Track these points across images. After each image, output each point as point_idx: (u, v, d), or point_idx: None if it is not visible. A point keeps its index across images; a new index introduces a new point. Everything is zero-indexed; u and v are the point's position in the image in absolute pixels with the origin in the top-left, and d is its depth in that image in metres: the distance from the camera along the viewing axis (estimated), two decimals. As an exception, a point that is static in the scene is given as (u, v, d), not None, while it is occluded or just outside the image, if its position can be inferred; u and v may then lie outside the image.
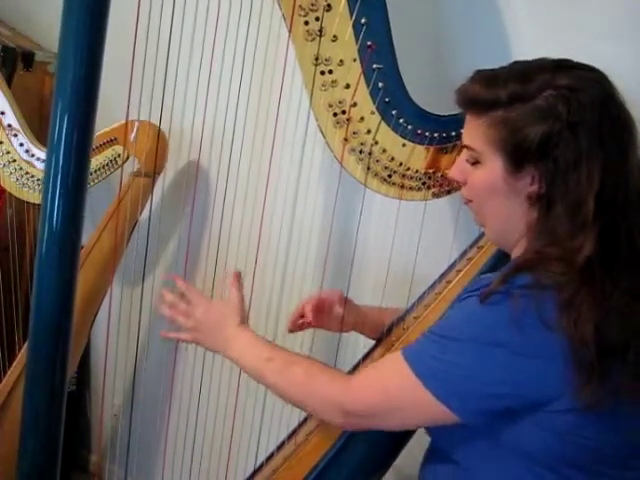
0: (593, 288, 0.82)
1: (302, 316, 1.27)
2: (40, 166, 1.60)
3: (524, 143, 0.87)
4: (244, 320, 1.12)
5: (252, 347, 1.07)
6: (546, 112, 0.86)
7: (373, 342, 1.24)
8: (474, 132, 0.93)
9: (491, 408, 0.86)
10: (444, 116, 1.09)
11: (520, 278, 0.84)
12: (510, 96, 0.88)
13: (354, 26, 1.03)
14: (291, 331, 1.27)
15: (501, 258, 1.08)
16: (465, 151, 0.96)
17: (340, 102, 1.08)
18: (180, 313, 1.14)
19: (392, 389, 0.92)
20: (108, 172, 1.64)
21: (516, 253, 0.96)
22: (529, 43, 1.27)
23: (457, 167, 0.99)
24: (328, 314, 1.26)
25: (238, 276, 1.15)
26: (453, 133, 1.09)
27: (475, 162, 0.94)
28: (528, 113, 0.87)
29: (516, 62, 0.93)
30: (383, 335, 1.20)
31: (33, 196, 1.63)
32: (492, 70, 0.92)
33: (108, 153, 1.62)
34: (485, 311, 0.85)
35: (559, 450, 0.86)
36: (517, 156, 0.89)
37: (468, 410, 0.86)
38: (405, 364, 0.90)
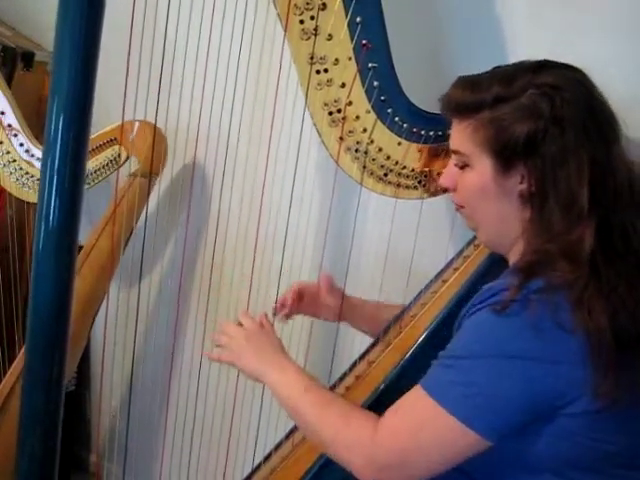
0: (599, 281, 0.82)
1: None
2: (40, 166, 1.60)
3: (511, 141, 0.88)
4: (283, 348, 1.09)
5: (293, 375, 1.01)
6: (530, 110, 0.87)
7: (370, 341, 1.24)
8: (461, 136, 0.94)
9: (516, 421, 0.84)
10: (440, 114, 1.07)
11: (533, 283, 0.83)
12: (494, 98, 0.90)
13: (349, 25, 1.03)
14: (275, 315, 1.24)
15: (497, 257, 1.08)
16: (453, 156, 0.97)
17: (335, 101, 1.08)
18: (229, 331, 1.10)
19: (418, 426, 0.87)
20: (108, 172, 1.64)
21: (513, 255, 0.96)
22: (527, 41, 1.27)
23: (447, 174, 1.00)
24: (316, 302, 1.25)
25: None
26: (449, 131, 1.09)
27: (464, 166, 0.95)
28: (513, 112, 0.88)
29: (497, 67, 0.95)
30: (380, 335, 1.20)
31: (33, 196, 1.62)
32: (474, 75, 0.94)
33: (108, 153, 1.62)
34: (502, 322, 0.83)
35: (567, 453, 0.86)
36: (505, 155, 0.89)
37: (496, 432, 0.83)
38: (427, 397, 0.86)
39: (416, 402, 0.88)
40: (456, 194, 0.99)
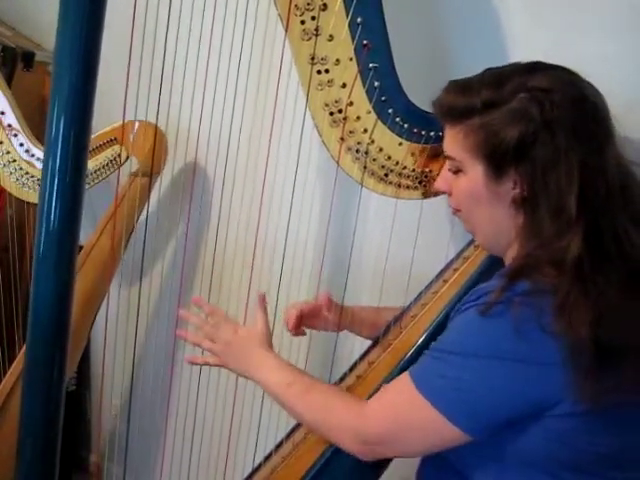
0: (584, 287, 0.82)
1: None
2: (40, 166, 1.60)
3: (501, 146, 0.88)
4: (270, 344, 1.12)
5: (276, 371, 1.06)
6: (520, 114, 0.87)
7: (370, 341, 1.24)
8: (453, 141, 0.94)
9: (498, 420, 0.85)
10: (441, 115, 1.09)
11: (519, 285, 0.84)
12: (484, 102, 0.89)
13: (350, 25, 1.03)
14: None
15: (497, 258, 1.08)
16: (447, 161, 0.98)
17: (336, 101, 1.08)
18: (206, 336, 1.14)
19: (402, 412, 0.91)
20: (108, 172, 1.64)
21: (509, 258, 0.96)
22: (527, 40, 1.27)
23: (442, 177, 1.01)
24: (316, 317, 1.27)
25: (263, 298, 1.14)
26: (449, 132, 1.09)
27: (457, 171, 0.96)
28: (503, 117, 0.88)
29: (488, 69, 0.94)
30: (380, 335, 1.20)
31: (33, 196, 1.63)
32: (465, 79, 0.94)
33: (108, 153, 1.62)
34: (487, 323, 0.84)
35: (559, 455, 0.86)
36: (496, 160, 0.89)
37: (477, 428, 0.86)
38: (412, 386, 0.89)
39: (402, 389, 0.91)
40: (451, 198, 1.00)
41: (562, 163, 0.85)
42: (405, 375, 0.92)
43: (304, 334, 1.28)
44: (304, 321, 1.26)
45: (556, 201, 0.86)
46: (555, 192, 0.86)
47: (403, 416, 0.91)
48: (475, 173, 0.92)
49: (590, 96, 0.89)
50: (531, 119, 0.86)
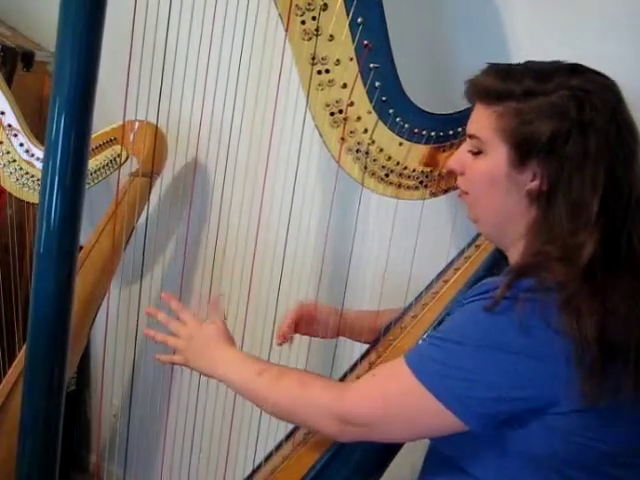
0: (594, 287, 0.82)
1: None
2: (40, 166, 1.60)
3: (533, 137, 0.88)
4: (232, 341, 1.10)
5: (241, 363, 1.05)
6: (559, 110, 0.87)
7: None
8: (482, 121, 0.93)
9: (496, 412, 0.85)
10: (441, 115, 1.09)
11: (524, 282, 0.84)
12: (525, 90, 0.89)
13: (351, 25, 1.03)
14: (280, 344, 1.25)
15: (499, 257, 1.08)
16: (468, 141, 0.96)
17: (337, 101, 1.08)
18: (172, 332, 1.12)
19: (393, 395, 0.90)
20: (107, 172, 1.64)
21: (513, 254, 0.96)
22: (528, 43, 1.27)
23: (457, 157, 1.00)
24: (312, 324, 1.26)
25: (217, 300, 1.13)
26: (450, 132, 1.09)
27: (478, 152, 0.94)
28: (541, 108, 0.88)
29: (530, 61, 0.94)
30: (380, 335, 1.20)
31: (33, 196, 1.63)
32: (506, 65, 0.94)
33: (107, 153, 1.63)
34: (492, 318, 0.84)
35: (563, 452, 0.86)
36: (523, 149, 0.89)
37: (473, 415, 0.85)
38: (407, 369, 0.88)
39: (395, 371, 0.90)
40: (463, 179, 0.99)
41: (589, 166, 0.86)
42: (399, 360, 0.90)
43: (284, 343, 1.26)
44: (299, 328, 1.26)
45: (577, 201, 0.86)
46: (577, 193, 0.86)
47: (394, 399, 0.89)
48: (498, 156, 0.92)
49: (625, 107, 0.90)
50: (567, 117, 0.86)
